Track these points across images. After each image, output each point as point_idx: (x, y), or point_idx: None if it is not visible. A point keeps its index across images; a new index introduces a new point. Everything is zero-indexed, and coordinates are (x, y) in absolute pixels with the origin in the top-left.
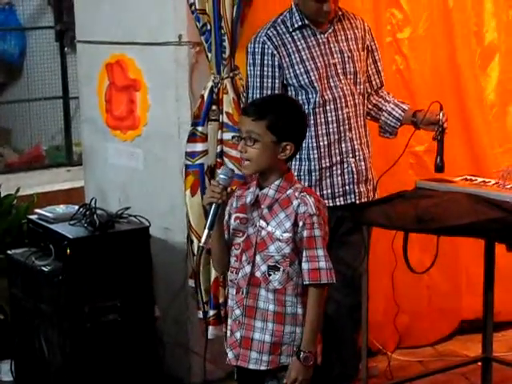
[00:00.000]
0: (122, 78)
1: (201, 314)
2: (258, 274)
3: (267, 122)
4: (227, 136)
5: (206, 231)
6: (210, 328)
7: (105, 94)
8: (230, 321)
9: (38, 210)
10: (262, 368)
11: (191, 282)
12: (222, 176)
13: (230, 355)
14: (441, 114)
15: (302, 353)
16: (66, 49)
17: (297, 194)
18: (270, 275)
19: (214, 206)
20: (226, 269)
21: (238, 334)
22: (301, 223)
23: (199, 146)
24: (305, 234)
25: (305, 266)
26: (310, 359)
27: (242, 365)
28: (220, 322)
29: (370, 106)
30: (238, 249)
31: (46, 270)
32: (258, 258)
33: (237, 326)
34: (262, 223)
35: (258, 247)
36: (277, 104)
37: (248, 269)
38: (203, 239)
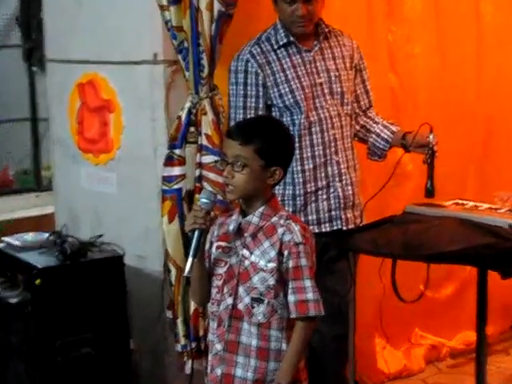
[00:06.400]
0: (95, 98)
1: (179, 347)
2: (240, 306)
3: (255, 146)
4: (206, 159)
5: (190, 259)
6: (190, 362)
7: (76, 116)
8: (210, 356)
9: (4, 238)
10: None
11: (169, 313)
12: (203, 200)
13: None
14: (431, 137)
15: None
16: (34, 68)
17: (282, 221)
18: (253, 307)
19: (197, 233)
20: (205, 300)
21: (218, 370)
22: (286, 252)
23: (177, 170)
24: (290, 264)
25: (291, 297)
26: None
27: None
28: (200, 356)
29: (357, 127)
30: (219, 279)
31: (13, 301)
32: (240, 289)
33: (218, 362)
34: (245, 252)
35: (240, 278)
36: (264, 126)
37: (230, 301)
38: (187, 268)
